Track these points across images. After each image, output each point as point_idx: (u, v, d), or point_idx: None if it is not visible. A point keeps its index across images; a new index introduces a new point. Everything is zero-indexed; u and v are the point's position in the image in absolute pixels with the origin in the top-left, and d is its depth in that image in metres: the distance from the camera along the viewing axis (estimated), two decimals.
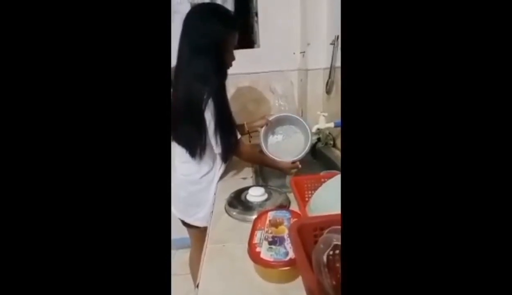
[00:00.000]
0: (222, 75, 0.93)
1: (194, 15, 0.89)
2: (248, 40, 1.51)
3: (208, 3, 0.99)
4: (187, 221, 1.10)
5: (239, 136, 0.99)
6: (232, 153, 0.99)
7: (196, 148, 0.95)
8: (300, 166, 1.08)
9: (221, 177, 1.05)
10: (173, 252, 1.77)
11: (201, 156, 0.97)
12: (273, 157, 1.07)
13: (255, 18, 1.47)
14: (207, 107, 0.86)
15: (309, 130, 1.10)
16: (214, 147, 0.94)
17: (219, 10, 0.94)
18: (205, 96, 0.86)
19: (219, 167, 1.04)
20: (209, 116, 0.88)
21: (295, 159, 1.07)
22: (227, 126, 0.93)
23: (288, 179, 1.11)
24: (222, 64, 0.92)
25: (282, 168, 1.06)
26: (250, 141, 1.20)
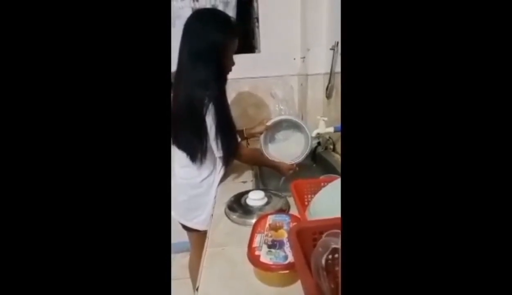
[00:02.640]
0: (222, 80, 0.94)
1: (194, 21, 0.90)
2: (248, 45, 1.52)
3: (208, 9, 1.00)
4: (187, 224, 1.10)
5: (239, 139, 1.00)
6: (233, 156, 1.00)
7: (196, 153, 0.95)
8: (297, 168, 1.09)
9: (221, 180, 1.05)
10: (172, 255, 1.76)
11: (201, 161, 0.97)
12: (273, 159, 1.08)
13: (256, 24, 1.48)
14: (208, 112, 0.87)
15: (308, 132, 1.12)
16: (215, 151, 0.94)
17: (219, 15, 0.95)
18: (205, 101, 0.86)
19: (219, 170, 1.04)
20: (210, 120, 0.88)
21: (297, 161, 1.08)
22: (228, 130, 0.93)
23: (282, 181, 1.12)
24: (222, 69, 0.93)
25: (280, 168, 1.07)
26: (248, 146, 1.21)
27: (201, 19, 0.91)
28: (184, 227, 1.12)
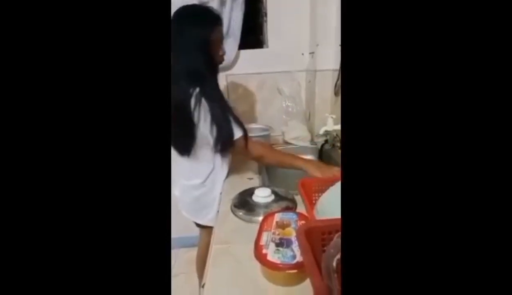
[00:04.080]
0: (212, 72, 0.93)
1: (177, 19, 0.89)
2: (257, 41, 1.50)
3: (188, 5, 0.99)
4: (201, 222, 1.10)
5: (241, 132, 0.91)
6: (228, 144, 0.92)
7: (183, 146, 0.95)
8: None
9: (227, 176, 1.05)
10: (176, 250, 1.76)
11: (189, 153, 0.96)
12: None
13: (264, 19, 1.47)
14: (197, 105, 0.86)
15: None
16: (211, 141, 0.91)
17: (200, 9, 0.95)
18: (195, 94, 0.86)
19: (222, 167, 1.03)
20: (200, 114, 0.87)
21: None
22: (224, 119, 0.89)
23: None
24: (210, 60, 0.91)
25: (309, 168, 0.93)
26: None
27: (184, 16, 0.90)
28: (198, 224, 1.13)
